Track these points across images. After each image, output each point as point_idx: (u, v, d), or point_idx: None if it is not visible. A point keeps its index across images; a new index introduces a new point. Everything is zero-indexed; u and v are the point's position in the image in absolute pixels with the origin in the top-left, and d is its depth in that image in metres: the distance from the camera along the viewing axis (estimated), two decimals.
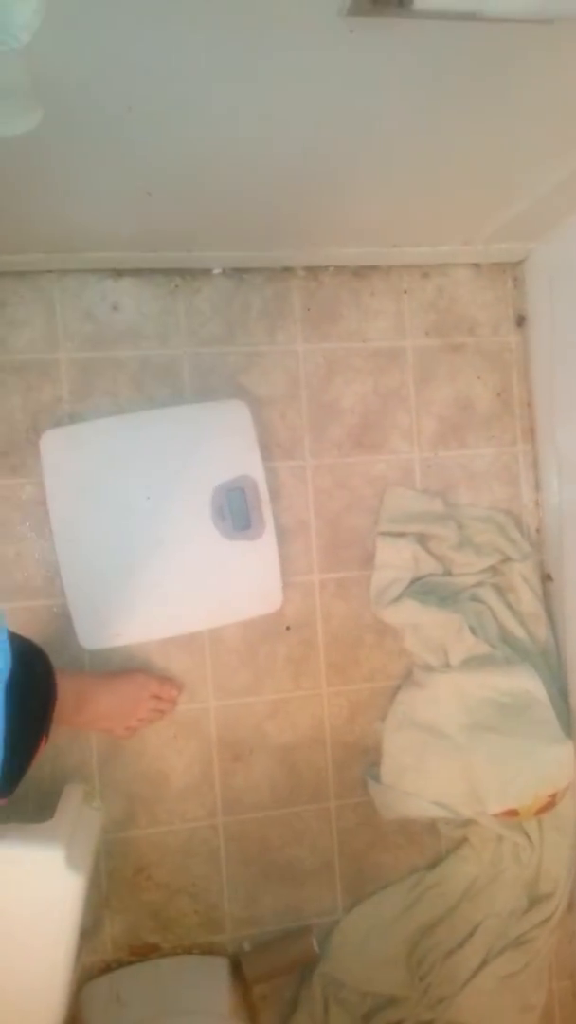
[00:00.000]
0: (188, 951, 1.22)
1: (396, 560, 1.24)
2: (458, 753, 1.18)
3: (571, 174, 1.00)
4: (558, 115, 0.84)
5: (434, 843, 1.29)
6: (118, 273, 1.19)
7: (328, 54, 0.68)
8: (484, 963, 1.26)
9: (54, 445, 1.13)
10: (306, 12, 0.62)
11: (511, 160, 0.95)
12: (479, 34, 0.66)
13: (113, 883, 1.19)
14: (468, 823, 1.26)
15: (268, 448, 1.23)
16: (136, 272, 1.19)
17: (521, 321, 1.31)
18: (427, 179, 0.99)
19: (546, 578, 1.30)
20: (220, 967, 1.20)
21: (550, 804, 1.18)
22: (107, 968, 1.19)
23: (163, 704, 1.17)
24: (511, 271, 1.31)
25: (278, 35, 0.65)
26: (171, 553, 1.14)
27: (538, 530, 1.32)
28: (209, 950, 1.22)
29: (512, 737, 1.17)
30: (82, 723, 1.13)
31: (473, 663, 1.21)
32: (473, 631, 1.22)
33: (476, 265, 1.30)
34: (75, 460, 1.13)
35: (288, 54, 0.68)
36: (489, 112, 0.81)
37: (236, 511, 1.16)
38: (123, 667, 1.18)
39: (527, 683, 1.19)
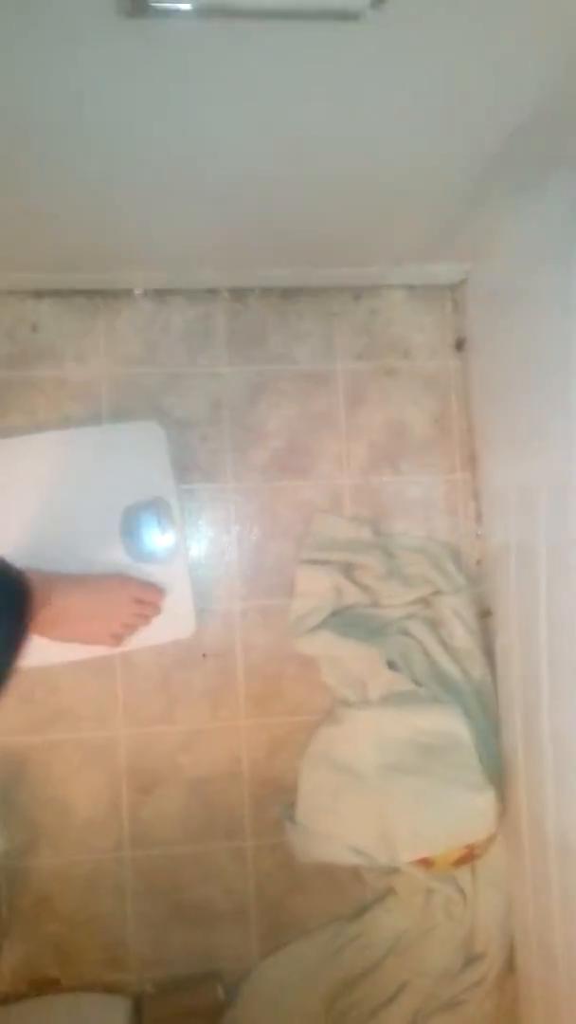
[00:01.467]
0: (90, 988, 1.17)
1: (316, 589, 1.19)
2: (373, 795, 1.12)
3: (501, 192, 0.96)
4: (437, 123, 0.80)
5: (358, 891, 1.22)
6: (38, 294, 1.19)
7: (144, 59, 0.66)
8: None
9: None
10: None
11: (402, 175, 0.92)
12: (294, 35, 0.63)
13: (13, 912, 1.16)
14: (394, 872, 1.19)
15: (188, 471, 1.21)
16: (57, 293, 1.19)
17: (460, 345, 1.26)
18: (337, 197, 0.97)
19: (485, 613, 1.23)
20: (120, 1008, 1.15)
21: (468, 856, 1.10)
22: (3, 1000, 1.15)
23: (146, 608, 1.09)
24: (449, 293, 1.27)
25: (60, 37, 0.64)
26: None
27: (479, 562, 1.25)
28: (112, 989, 1.18)
29: (429, 781, 1.10)
30: (61, 630, 1.04)
31: (394, 700, 1.15)
32: (395, 666, 1.16)
33: (411, 287, 1.26)
34: None
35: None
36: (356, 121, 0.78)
37: (147, 534, 1.14)
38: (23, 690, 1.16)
39: (451, 724, 1.12)
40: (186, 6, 0.53)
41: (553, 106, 0.75)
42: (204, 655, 1.20)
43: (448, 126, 0.79)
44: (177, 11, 0.53)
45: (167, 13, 0.53)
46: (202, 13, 0.54)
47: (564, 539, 0.92)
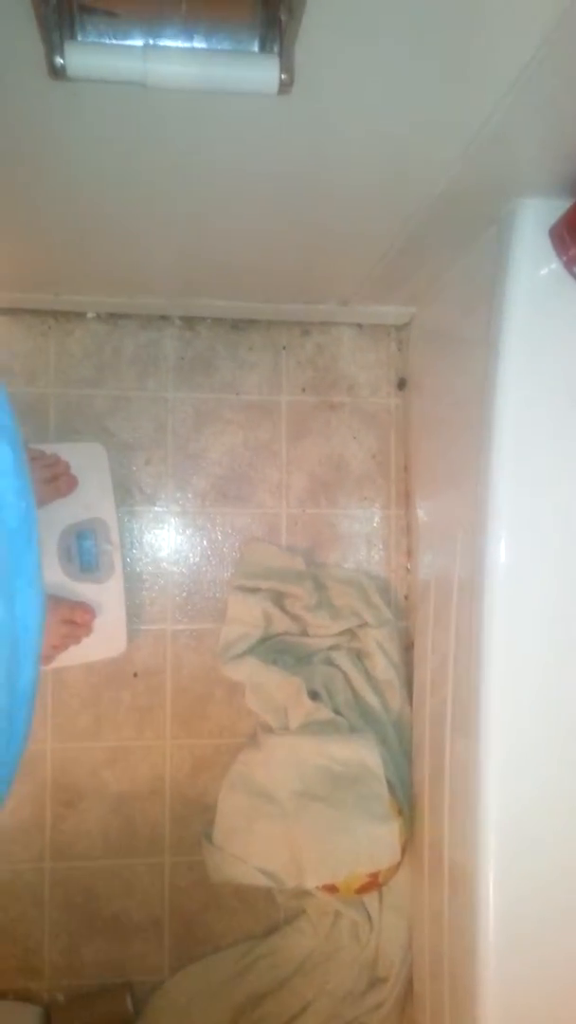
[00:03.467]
0: (2, 995, 1.20)
1: (246, 616, 1.22)
2: (284, 820, 1.15)
3: (440, 245, 1.00)
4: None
5: (271, 911, 1.25)
6: None
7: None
8: None
9: None
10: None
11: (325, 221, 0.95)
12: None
13: None
14: (305, 894, 1.22)
15: (130, 493, 1.24)
16: (9, 311, 1.22)
17: (402, 384, 1.30)
18: (280, 242, 1.00)
19: (409, 646, 1.26)
20: (31, 1015, 1.17)
21: (372, 884, 1.13)
22: None
23: (77, 629, 1.12)
24: (395, 334, 1.30)
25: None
26: None
27: (407, 597, 1.29)
28: (24, 996, 1.20)
29: (338, 809, 1.13)
30: None
31: (312, 728, 1.18)
32: (316, 695, 1.19)
33: (359, 326, 1.30)
34: None
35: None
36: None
37: (84, 553, 1.17)
38: None
39: (363, 754, 1.16)
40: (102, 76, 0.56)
41: (471, 176, 0.79)
42: (135, 674, 1.23)
43: (375, 189, 0.83)
44: (95, 80, 0.56)
45: (86, 80, 0.56)
46: (119, 83, 0.57)
47: (473, 579, 0.95)
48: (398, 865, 1.14)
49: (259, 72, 0.53)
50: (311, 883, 1.12)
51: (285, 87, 0.57)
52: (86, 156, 0.76)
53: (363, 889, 1.13)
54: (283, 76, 0.54)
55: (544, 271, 0.87)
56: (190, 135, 0.71)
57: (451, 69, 0.61)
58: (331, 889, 1.13)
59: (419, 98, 0.65)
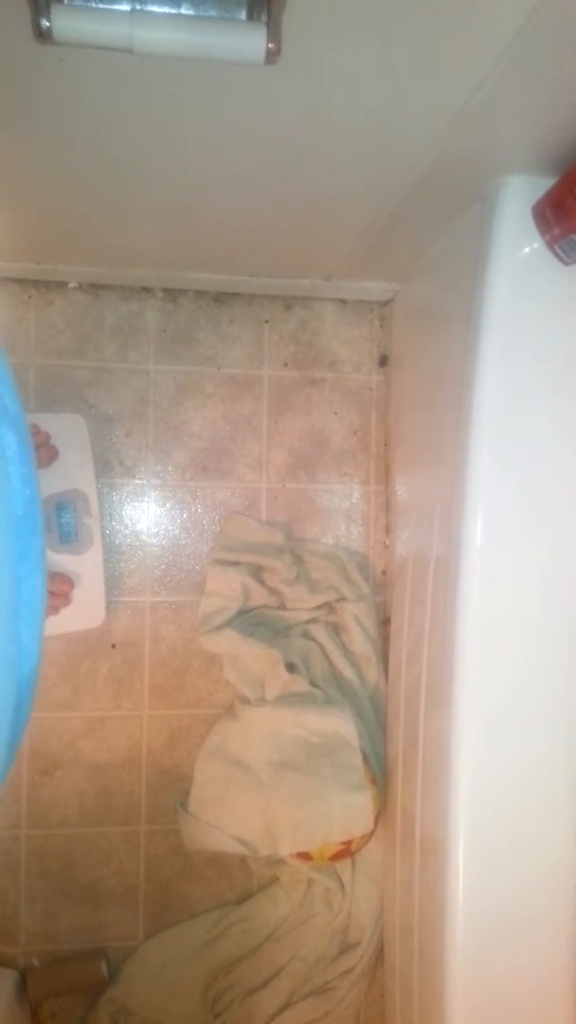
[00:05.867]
0: None
1: (225, 589, 1.23)
2: (259, 790, 1.17)
3: (424, 220, 1.00)
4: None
5: (245, 879, 1.27)
6: None
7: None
8: (285, 1007, 1.23)
9: None
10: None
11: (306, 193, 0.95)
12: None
13: None
14: (279, 862, 1.24)
15: (110, 465, 1.23)
16: None
17: (384, 361, 1.30)
18: (263, 215, 0.99)
19: (385, 621, 1.28)
20: (7, 979, 1.19)
21: (345, 852, 1.15)
22: None
23: (55, 600, 1.12)
24: (378, 310, 1.31)
25: None
26: None
27: (384, 572, 1.30)
28: (0, 960, 1.22)
29: (312, 779, 1.15)
30: None
31: (289, 700, 1.20)
32: (293, 668, 1.21)
33: (342, 301, 1.29)
34: None
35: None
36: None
37: (63, 525, 1.17)
38: None
39: (339, 725, 1.17)
40: (88, 41, 0.55)
41: (455, 152, 0.79)
42: (113, 645, 1.24)
43: (359, 163, 0.83)
44: (81, 44, 0.56)
45: (73, 44, 0.56)
46: (105, 48, 0.57)
47: (450, 554, 0.97)
48: (371, 834, 1.16)
49: (246, 40, 0.53)
50: (285, 851, 1.14)
51: (272, 56, 0.56)
52: (69, 122, 0.75)
53: (336, 857, 1.15)
54: (270, 45, 0.53)
55: (527, 250, 0.88)
56: (175, 104, 0.71)
57: (440, 41, 0.61)
58: (305, 857, 1.15)
59: (406, 70, 0.65)
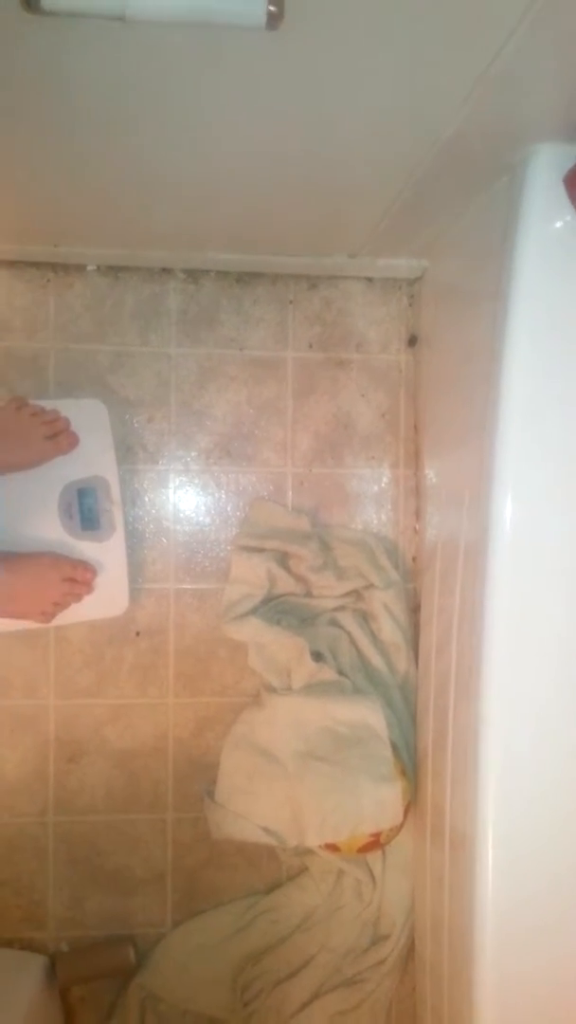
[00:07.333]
0: (8, 944, 1.22)
1: (250, 576, 1.20)
2: (286, 780, 1.15)
3: (451, 195, 0.96)
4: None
5: (273, 868, 1.26)
6: None
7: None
8: (315, 997, 1.22)
9: None
10: None
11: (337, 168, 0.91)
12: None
13: None
14: (308, 852, 1.22)
15: (132, 450, 1.22)
16: (8, 264, 1.19)
17: (413, 341, 1.26)
18: (285, 191, 0.96)
19: (416, 608, 1.25)
20: (36, 964, 1.19)
21: (374, 843, 1.13)
22: None
23: (78, 587, 1.11)
24: (407, 288, 1.26)
25: None
26: (15, 548, 1.14)
27: (414, 559, 1.27)
28: (29, 946, 1.22)
29: (341, 770, 1.13)
30: None
31: (316, 689, 1.17)
32: (320, 657, 1.18)
33: (369, 280, 1.25)
34: None
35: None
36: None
37: (85, 511, 1.15)
38: None
39: (368, 715, 1.15)
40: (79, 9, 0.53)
41: (480, 119, 0.75)
42: (137, 633, 1.23)
43: (377, 133, 0.79)
44: (71, 13, 0.53)
45: (64, 13, 0.53)
46: (96, 17, 0.54)
47: (479, 540, 0.93)
48: (400, 826, 1.14)
49: (245, 3, 0.49)
50: (312, 842, 1.12)
51: (274, 19, 0.53)
52: (70, 97, 0.72)
53: (364, 849, 1.13)
54: (272, 8, 0.50)
55: (559, 223, 0.83)
56: (178, 75, 0.68)
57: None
58: (333, 848, 1.13)
59: (423, 31, 0.61)
